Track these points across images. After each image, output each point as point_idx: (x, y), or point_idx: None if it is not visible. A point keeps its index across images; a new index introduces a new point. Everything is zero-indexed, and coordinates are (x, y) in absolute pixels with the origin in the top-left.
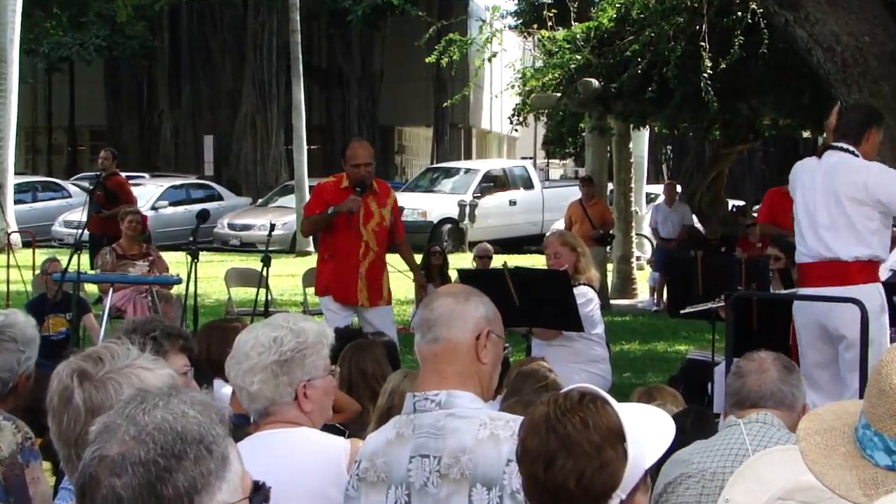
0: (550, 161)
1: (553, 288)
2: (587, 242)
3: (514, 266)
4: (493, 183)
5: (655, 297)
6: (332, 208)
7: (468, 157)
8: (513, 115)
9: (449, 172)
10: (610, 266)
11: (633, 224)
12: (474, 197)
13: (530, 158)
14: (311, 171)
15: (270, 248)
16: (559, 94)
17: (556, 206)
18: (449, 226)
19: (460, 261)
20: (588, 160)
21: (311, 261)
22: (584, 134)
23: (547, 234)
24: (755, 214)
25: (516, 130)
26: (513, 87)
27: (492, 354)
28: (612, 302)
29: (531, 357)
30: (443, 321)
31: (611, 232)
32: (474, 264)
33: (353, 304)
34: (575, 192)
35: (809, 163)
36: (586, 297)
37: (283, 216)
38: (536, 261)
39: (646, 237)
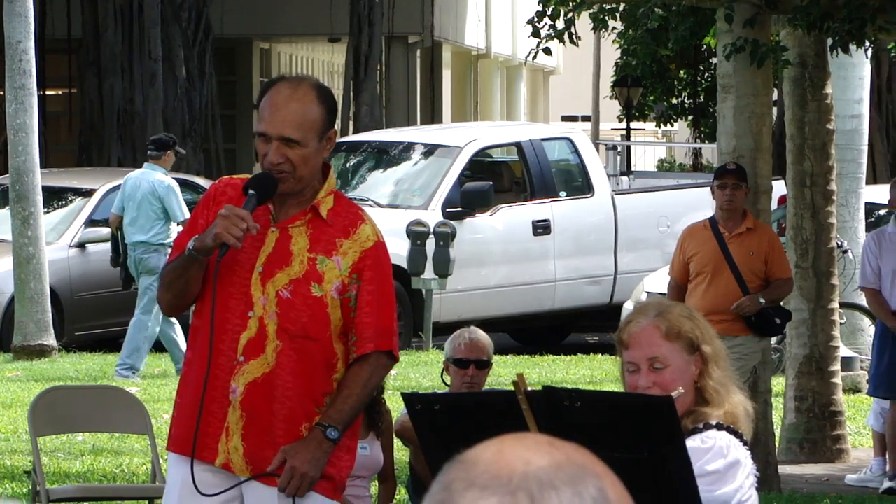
0: (634, 128)
1: (640, 436)
2: (728, 327)
3: (545, 385)
4: (494, 179)
5: (888, 456)
6: (191, 241)
7: (431, 115)
8: (537, 20)
9: (386, 155)
10: (779, 384)
11: (837, 280)
12: (447, 214)
13: (584, 120)
14: (52, 153)
15: None
16: None
17: (650, 235)
18: None
19: (412, 368)
20: (726, 125)
21: (52, 372)
22: (714, 63)
23: (626, 306)
24: None
25: (548, 53)
26: None
27: None
28: (782, 470)
29: None
30: None
31: (783, 306)
32: (447, 379)
33: (220, 466)
34: (700, 202)
35: None
36: (723, 460)
37: None
38: (600, 369)
39: (861, 310)
